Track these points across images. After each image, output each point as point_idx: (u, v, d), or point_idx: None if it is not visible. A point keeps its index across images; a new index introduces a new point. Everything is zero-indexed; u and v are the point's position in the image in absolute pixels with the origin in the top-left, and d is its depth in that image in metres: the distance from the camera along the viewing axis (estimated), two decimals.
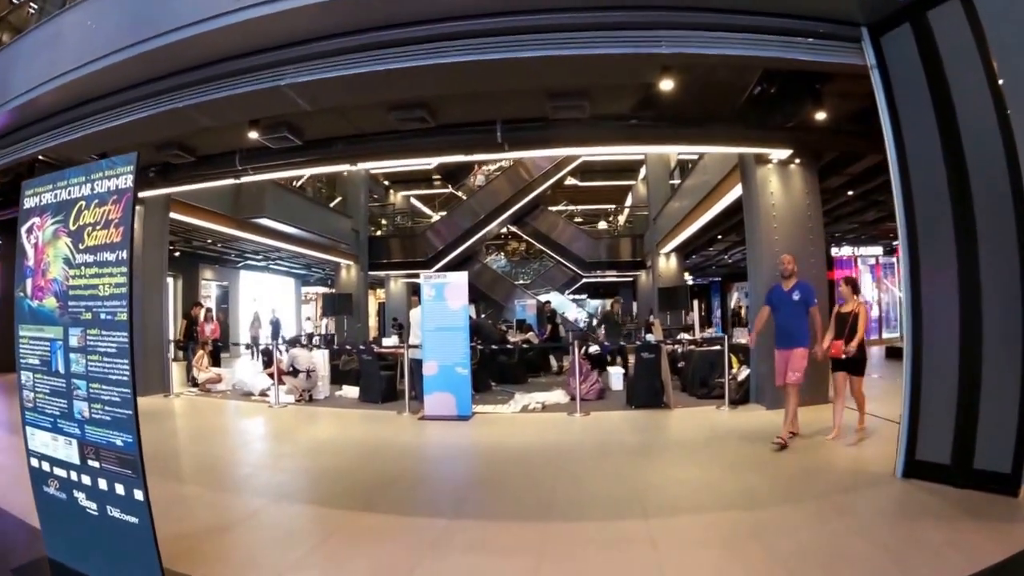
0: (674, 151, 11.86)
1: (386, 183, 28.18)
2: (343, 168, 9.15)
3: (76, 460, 3.42)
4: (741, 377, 9.74)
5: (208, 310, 15.26)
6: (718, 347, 10.99)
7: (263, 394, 11.22)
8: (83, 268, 3.39)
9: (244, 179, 10.14)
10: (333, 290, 22.14)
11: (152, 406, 10.34)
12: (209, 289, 23.67)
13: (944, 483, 4.99)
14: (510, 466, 6.26)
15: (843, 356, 6.76)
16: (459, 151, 8.39)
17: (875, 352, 17.71)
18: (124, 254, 3.22)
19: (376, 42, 5.80)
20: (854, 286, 7.12)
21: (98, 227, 3.34)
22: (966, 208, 4.97)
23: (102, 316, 3.27)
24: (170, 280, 20.74)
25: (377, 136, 8.26)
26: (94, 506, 3.37)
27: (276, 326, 22.63)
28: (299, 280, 28.30)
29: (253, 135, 8.03)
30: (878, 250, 21.64)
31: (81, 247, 3.41)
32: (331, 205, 21.45)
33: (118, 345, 3.19)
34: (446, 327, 9.40)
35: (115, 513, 3.27)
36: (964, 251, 4.99)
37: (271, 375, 11.64)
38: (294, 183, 19.13)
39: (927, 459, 5.22)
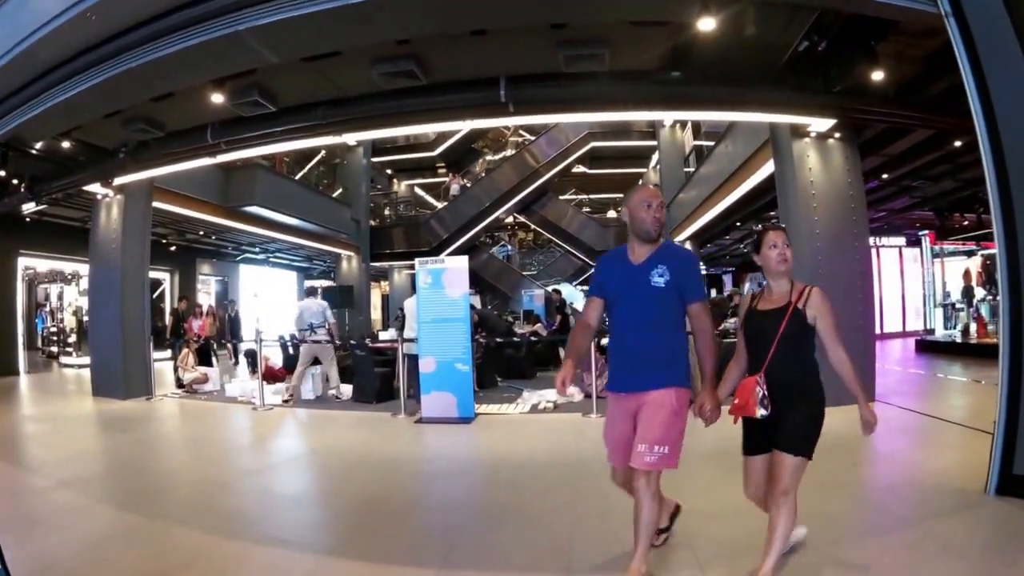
0: (703, 117, 10.71)
1: (389, 172, 27.19)
2: (328, 141, 8.16)
3: None
4: None
5: (198, 306, 14.29)
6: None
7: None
8: None
9: (221, 157, 9.17)
10: (334, 283, 21.10)
11: (127, 411, 9.50)
12: (208, 284, 22.78)
13: None
14: (517, 487, 5.20)
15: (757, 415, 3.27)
16: (457, 115, 7.27)
17: (897, 345, 16.77)
18: None
19: None
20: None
21: None
22: None
23: None
24: (166, 275, 20.03)
25: (362, 100, 7.19)
26: None
27: (234, 322, 18.73)
28: (301, 273, 27.29)
29: (218, 98, 7.04)
30: (900, 240, 20.67)
31: None
32: (332, 194, 20.47)
33: None
34: (445, 318, 8.39)
35: None
36: None
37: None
38: (294, 174, 18.33)
39: None
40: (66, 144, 9.12)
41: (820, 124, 7.80)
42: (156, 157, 9.20)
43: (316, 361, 10.21)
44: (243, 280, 23.69)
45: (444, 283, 8.41)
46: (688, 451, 6.09)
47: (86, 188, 10.73)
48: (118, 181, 10.19)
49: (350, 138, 8.11)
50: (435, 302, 8.45)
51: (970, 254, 18.99)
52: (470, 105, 7.08)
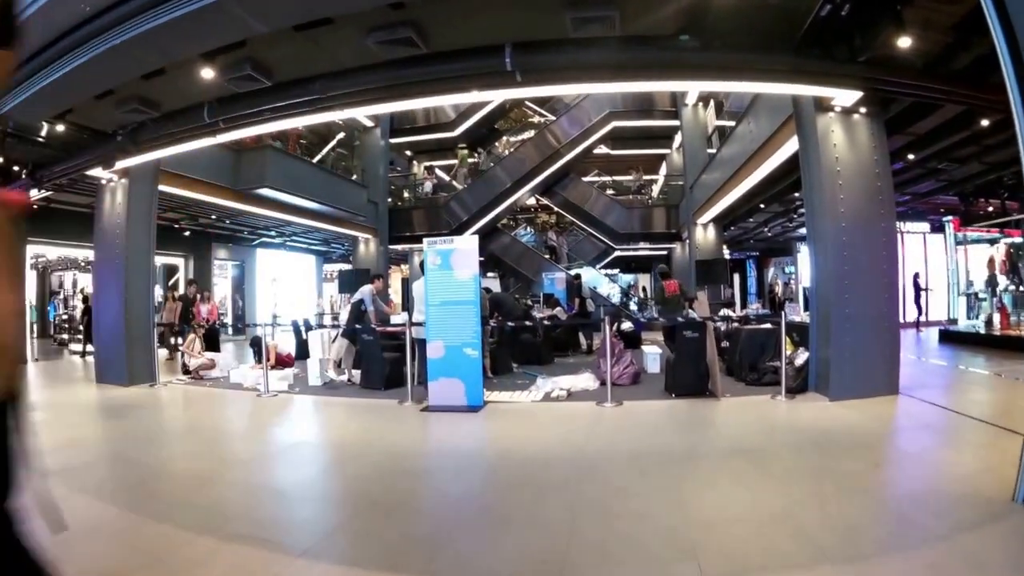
0: (721, 88, 10.14)
1: (409, 153, 26.82)
2: (329, 117, 7.78)
3: None
4: (799, 362, 8.19)
5: (204, 291, 14.07)
6: (768, 325, 9.52)
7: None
8: None
9: (222, 137, 8.84)
10: (347, 266, 20.83)
11: (128, 398, 9.26)
12: (225, 269, 22.67)
13: None
14: (517, 486, 4.79)
15: None
16: (462, 86, 6.78)
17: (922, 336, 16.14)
18: None
19: None
20: None
21: None
22: None
23: None
24: (180, 260, 19.91)
25: (361, 72, 6.77)
26: None
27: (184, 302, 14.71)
28: (320, 257, 27.10)
29: (208, 73, 6.71)
30: (924, 226, 20.23)
31: None
32: (351, 176, 20.13)
33: None
34: (453, 301, 8.01)
35: None
36: None
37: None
38: (312, 157, 18.06)
39: None
40: (61, 128, 8.90)
41: (845, 97, 7.28)
42: (155, 139, 8.93)
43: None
44: (260, 265, 23.50)
45: (453, 264, 8.03)
46: (698, 449, 5.73)
47: (89, 173, 10.50)
48: (120, 165, 9.91)
49: (351, 114, 7.74)
50: (444, 284, 8.06)
51: (992, 242, 18.33)
52: (474, 74, 6.60)
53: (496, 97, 7.89)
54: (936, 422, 6.44)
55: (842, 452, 5.34)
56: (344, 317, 10.27)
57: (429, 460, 5.76)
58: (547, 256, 24.66)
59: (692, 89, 13.33)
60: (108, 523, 4.06)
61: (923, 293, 18.31)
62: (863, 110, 7.66)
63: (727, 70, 6.95)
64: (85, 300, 15.85)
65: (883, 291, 7.73)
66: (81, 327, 15.62)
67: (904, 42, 6.18)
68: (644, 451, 5.60)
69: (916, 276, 18.43)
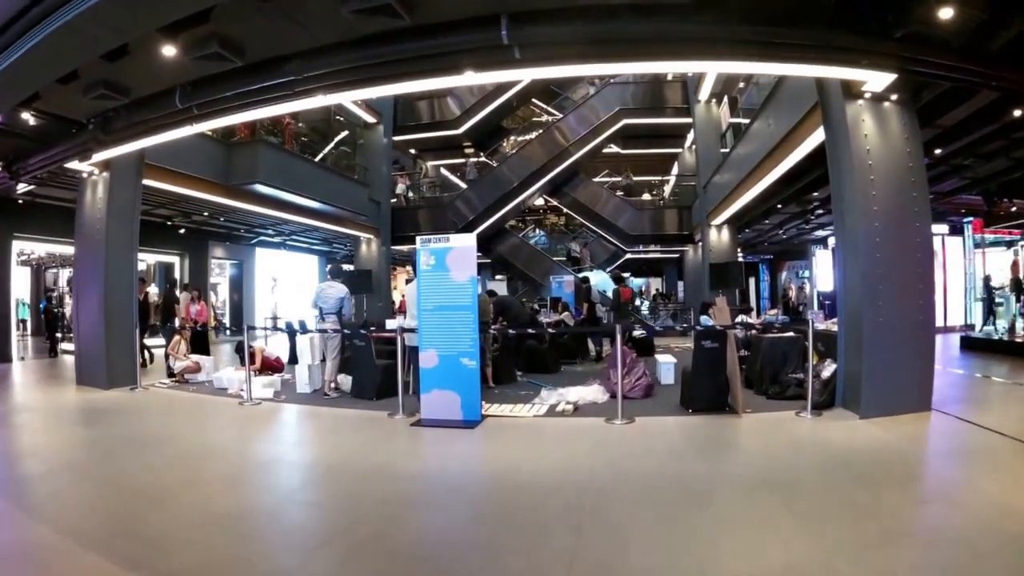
0: (740, 69, 9.27)
1: (413, 152, 26.14)
2: (311, 103, 7.06)
3: None
4: (826, 374, 7.43)
5: (196, 290, 13.39)
6: (790, 334, 8.78)
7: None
8: None
9: (199, 126, 8.19)
10: (352, 266, 20.16)
11: (105, 403, 8.70)
12: (223, 268, 22.07)
13: None
14: (508, 523, 4.07)
15: None
16: (454, 64, 5.93)
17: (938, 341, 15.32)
18: None
19: None
20: None
21: None
22: None
23: None
24: (176, 259, 19.37)
25: (340, 49, 6.03)
26: None
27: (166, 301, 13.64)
28: (323, 257, 26.40)
29: (170, 51, 6.05)
30: (943, 228, 19.20)
31: None
32: (350, 173, 19.46)
33: None
34: (449, 306, 7.29)
35: None
36: None
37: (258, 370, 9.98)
38: (314, 155, 17.48)
39: None
40: (28, 117, 8.24)
41: (877, 81, 6.55)
42: (128, 127, 8.29)
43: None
44: (259, 264, 22.81)
45: (449, 264, 7.30)
46: (720, 480, 4.97)
47: (70, 166, 9.91)
48: (99, 157, 9.34)
49: (334, 99, 7.03)
50: (438, 286, 7.34)
51: (1010, 244, 17.49)
52: (468, 49, 5.82)
53: (493, 78, 7.16)
54: (979, 444, 5.80)
55: (882, 483, 4.64)
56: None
57: (412, 486, 4.97)
58: (570, 267, 23.87)
59: (710, 69, 12.30)
60: (36, 549, 3.65)
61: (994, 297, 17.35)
62: (894, 97, 7.00)
63: (748, 45, 6.15)
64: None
65: (918, 296, 7.01)
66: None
67: (945, 13, 5.46)
68: (658, 483, 4.83)
69: (988, 279, 17.41)
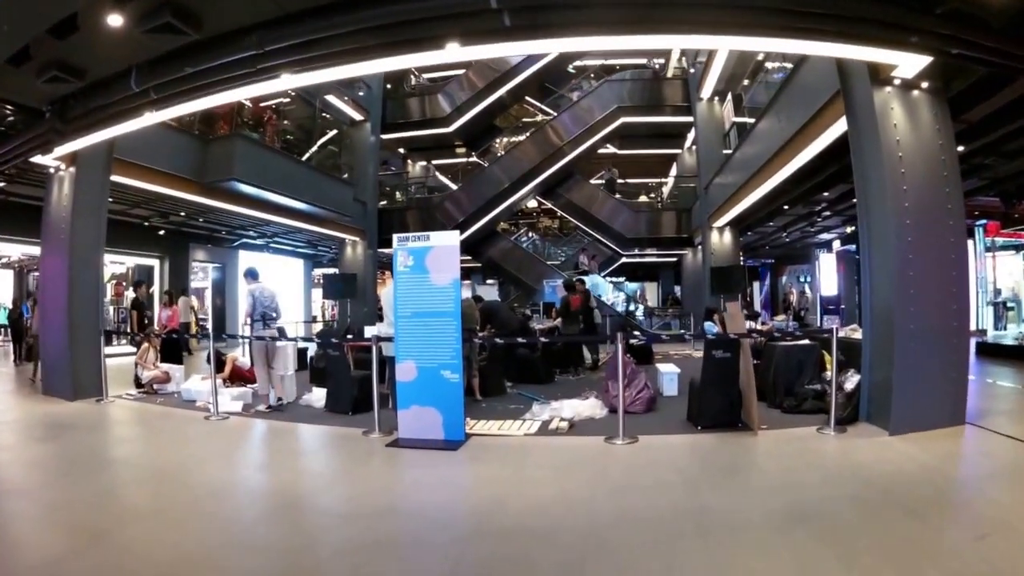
0: (758, 47, 8.48)
1: (402, 151, 25.43)
2: (278, 85, 6.43)
3: None
4: (850, 386, 6.74)
5: (167, 293, 12.65)
6: (805, 341, 8.13)
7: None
8: None
9: (163, 113, 7.43)
10: (336, 270, 19.43)
11: (66, 416, 8.03)
12: (205, 271, 21.31)
13: None
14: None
15: None
16: (437, 33, 5.15)
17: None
18: None
19: None
20: None
21: None
22: None
23: None
24: (155, 262, 18.65)
25: (304, 17, 5.31)
26: None
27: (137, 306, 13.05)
28: (308, 261, 25.63)
29: (117, 20, 5.32)
30: None
31: None
32: (335, 172, 18.74)
33: None
34: (429, 312, 6.55)
35: None
36: None
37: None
38: (301, 155, 16.76)
39: None
40: None
41: (909, 65, 5.95)
42: (85, 115, 7.53)
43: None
44: (242, 267, 21.99)
45: (429, 266, 6.57)
46: (741, 513, 4.23)
47: (34, 160, 9.17)
48: (62, 151, 8.66)
49: (304, 79, 6.25)
50: (417, 290, 6.60)
51: (1018, 248, 16.92)
52: (451, 15, 5.10)
53: (480, 53, 6.43)
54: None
55: (929, 512, 4.01)
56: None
57: (380, 524, 4.20)
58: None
59: (723, 46, 11.37)
60: None
61: None
62: (924, 85, 6.38)
63: (766, 22, 5.46)
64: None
65: (952, 301, 6.37)
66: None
67: None
68: (670, 518, 4.10)
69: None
